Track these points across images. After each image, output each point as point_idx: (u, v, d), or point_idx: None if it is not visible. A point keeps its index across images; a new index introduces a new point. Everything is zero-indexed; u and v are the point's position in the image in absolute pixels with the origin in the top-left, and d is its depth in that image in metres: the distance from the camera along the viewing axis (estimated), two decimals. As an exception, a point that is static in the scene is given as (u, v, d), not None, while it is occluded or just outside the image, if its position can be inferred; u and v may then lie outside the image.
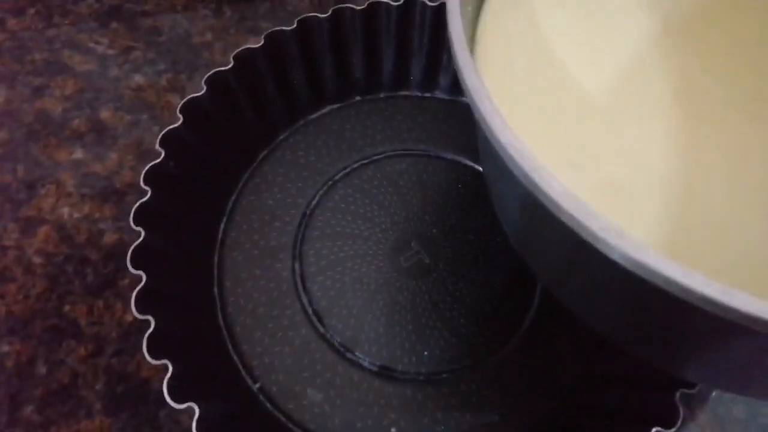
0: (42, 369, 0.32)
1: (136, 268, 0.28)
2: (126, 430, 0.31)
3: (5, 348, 0.33)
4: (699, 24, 0.23)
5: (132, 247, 0.28)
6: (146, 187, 0.30)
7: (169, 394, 0.25)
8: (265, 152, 0.37)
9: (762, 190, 0.19)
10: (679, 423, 0.24)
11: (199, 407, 0.24)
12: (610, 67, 0.22)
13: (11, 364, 0.32)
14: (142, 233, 0.28)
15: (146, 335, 0.26)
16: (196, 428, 0.24)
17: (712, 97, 0.21)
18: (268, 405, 0.29)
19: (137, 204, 0.29)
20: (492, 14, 0.24)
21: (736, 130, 0.20)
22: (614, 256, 0.14)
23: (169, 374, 0.25)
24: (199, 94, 0.33)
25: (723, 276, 0.14)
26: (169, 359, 0.25)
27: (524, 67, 0.22)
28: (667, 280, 0.13)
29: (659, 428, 0.24)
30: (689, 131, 0.20)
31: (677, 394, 0.25)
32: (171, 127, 0.32)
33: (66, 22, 0.42)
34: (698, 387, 0.26)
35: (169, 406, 0.31)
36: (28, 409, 0.31)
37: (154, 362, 0.25)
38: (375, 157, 0.37)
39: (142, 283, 0.27)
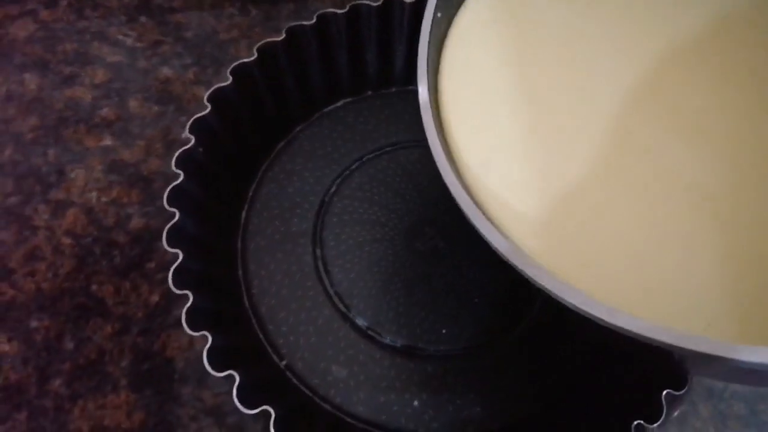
0: (70, 344, 0.33)
1: (172, 247, 0.29)
2: (150, 406, 0.32)
3: (34, 323, 0.34)
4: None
5: (168, 226, 0.29)
6: (178, 171, 0.31)
7: (209, 362, 0.26)
8: (283, 143, 0.39)
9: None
10: (662, 419, 0.26)
11: (239, 375, 0.25)
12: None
13: (40, 338, 0.33)
14: (177, 214, 0.29)
15: (185, 308, 0.27)
16: (237, 395, 0.25)
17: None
18: (295, 381, 0.31)
19: (170, 186, 0.30)
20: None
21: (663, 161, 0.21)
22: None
23: (208, 344, 0.26)
24: (225, 84, 0.34)
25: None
26: (208, 330, 0.26)
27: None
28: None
29: (640, 421, 0.26)
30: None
31: (663, 393, 0.27)
32: (199, 114, 0.33)
33: (96, 15, 0.44)
34: (686, 388, 0.27)
35: (193, 384, 0.33)
36: (57, 382, 0.32)
37: (193, 334, 0.26)
38: (388, 148, 0.39)
39: (180, 260, 0.28)
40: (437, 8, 0.24)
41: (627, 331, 0.16)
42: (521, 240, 0.19)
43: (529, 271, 0.18)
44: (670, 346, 0.15)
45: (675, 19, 0.23)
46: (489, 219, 0.19)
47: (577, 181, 0.20)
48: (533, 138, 0.22)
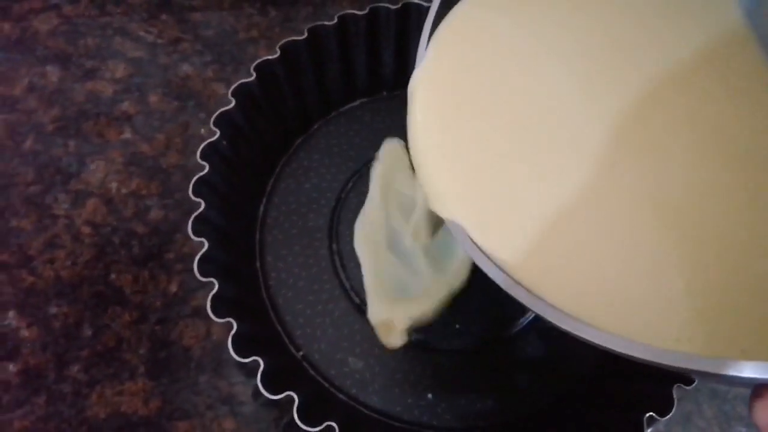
0: (88, 332, 0.34)
1: (197, 236, 0.29)
2: (167, 394, 0.32)
3: (53, 310, 0.34)
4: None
5: (194, 215, 0.30)
6: (203, 162, 0.31)
7: (234, 348, 0.26)
8: (301, 140, 0.40)
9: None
10: (672, 411, 0.27)
11: (264, 361, 0.25)
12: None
13: (59, 325, 0.34)
14: (202, 204, 0.30)
15: (210, 296, 0.27)
16: (261, 380, 0.25)
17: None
18: (311, 371, 0.31)
19: (196, 177, 0.31)
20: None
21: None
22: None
23: (233, 331, 0.26)
24: (249, 80, 0.35)
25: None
26: (233, 318, 0.26)
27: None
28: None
29: (652, 413, 0.27)
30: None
31: (674, 387, 0.27)
32: (224, 108, 0.34)
33: (118, 11, 0.44)
34: (696, 382, 0.28)
35: (209, 372, 0.33)
36: (75, 368, 0.33)
37: (218, 320, 0.27)
38: (403, 148, 0.39)
39: (205, 249, 0.29)
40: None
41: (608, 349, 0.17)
42: (494, 253, 0.21)
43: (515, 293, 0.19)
44: (648, 362, 0.17)
45: (640, 61, 0.24)
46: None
47: (549, 207, 0.21)
48: (506, 163, 0.23)
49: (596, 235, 0.21)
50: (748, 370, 0.15)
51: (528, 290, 0.20)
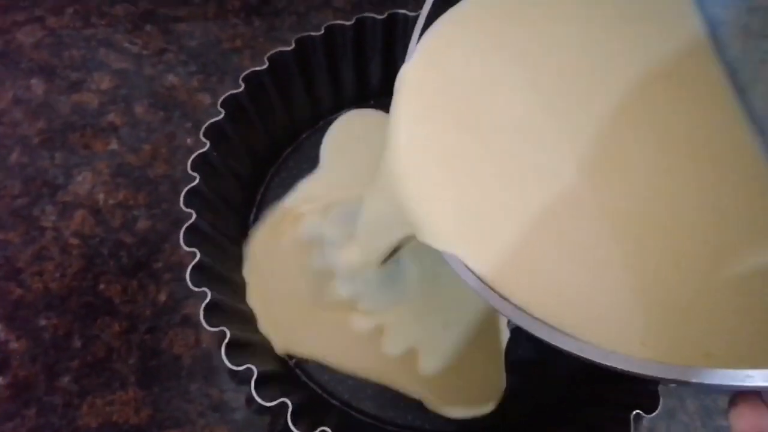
0: (78, 342, 0.34)
1: (189, 246, 0.29)
2: (159, 403, 0.33)
3: (42, 322, 0.34)
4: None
5: (186, 225, 0.30)
6: (194, 173, 0.32)
7: (227, 357, 0.26)
8: (290, 150, 0.40)
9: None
10: (658, 409, 0.28)
11: (257, 369, 0.26)
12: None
13: (48, 337, 0.34)
14: (194, 214, 0.30)
15: (203, 305, 0.28)
16: (255, 387, 0.26)
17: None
18: (304, 377, 0.32)
19: (187, 188, 0.31)
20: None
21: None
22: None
23: (227, 339, 0.27)
24: (238, 91, 0.35)
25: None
26: (225, 326, 0.27)
27: None
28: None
29: (639, 411, 0.28)
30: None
31: (659, 385, 0.28)
32: (214, 120, 0.34)
33: (102, 23, 0.45)
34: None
35: (200, 380, 0.33)
36: (65, 379, 0.33)
37: (211, 329, 0.27)
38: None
39: (197, 259, 0.29)
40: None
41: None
42: (475, 264, 0.21)
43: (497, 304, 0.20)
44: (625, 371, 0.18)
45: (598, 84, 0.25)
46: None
47: (523, 223, 0.22)
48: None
49: (564, 248, 0.21)
50: (712, 378, 0.16)
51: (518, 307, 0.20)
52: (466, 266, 0.21)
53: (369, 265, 0.33)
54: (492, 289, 0.21)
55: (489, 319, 0.34)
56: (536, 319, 0.20)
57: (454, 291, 0.33)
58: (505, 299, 0.20)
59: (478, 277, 0.21)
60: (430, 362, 0.32)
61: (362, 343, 0.32)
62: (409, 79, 0.25)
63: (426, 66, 0.25)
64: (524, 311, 0.20)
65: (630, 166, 0.23)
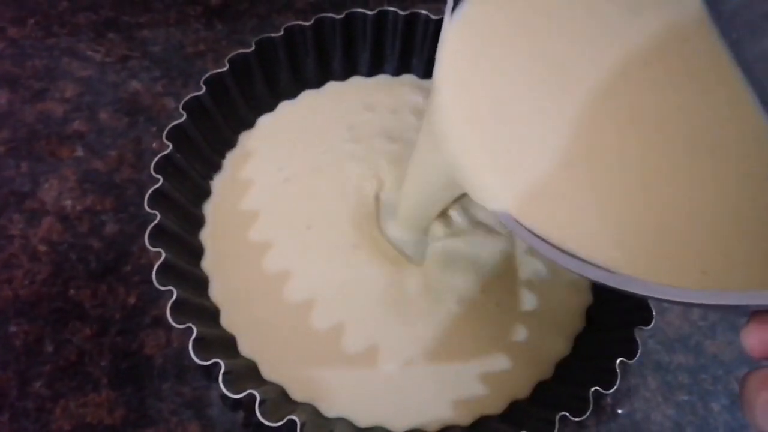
0: (49, 347, 0.34)
1: (154, 246, 0.30)
2: (132, 403, 0.33)
3: (13, 328, 0.34)
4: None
5: (150, 226, 0.30)
6: (157, 175, 0.32)
7: (194, 352, 0.27)
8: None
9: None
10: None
11: (224, 364, 0.26)
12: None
13: (19, 343, 0.34)
14: (158, 215, 0.31)
15: (170, 303, 0.28)
16: (222, 380, 0.26)
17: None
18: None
19: (151, 190, 0.32)
20: None
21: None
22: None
23: (194, 335, 0.27)
24: (199, 93, 0.36)
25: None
26: (192, 323, 0.27)
27: None
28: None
29: (598, 387, 0.29)
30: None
31: (617, 362, 0.30)
32: (176, 122, 0.35)
33: (64, 32, 0.45)
34: (637, 357, 0.30)
35: (172, 379, 0.34)
36: (38, 384, 0.33)
37: (178, 326, 0.28)
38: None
39: (162, 259, 0.30)
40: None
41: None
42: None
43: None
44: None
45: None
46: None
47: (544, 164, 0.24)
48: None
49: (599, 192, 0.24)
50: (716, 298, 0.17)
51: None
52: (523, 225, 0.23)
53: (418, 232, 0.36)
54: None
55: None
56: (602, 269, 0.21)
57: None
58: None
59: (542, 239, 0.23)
60: None
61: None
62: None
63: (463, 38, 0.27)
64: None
65: (639, 114, 0.25)
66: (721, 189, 0.23)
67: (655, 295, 0.19)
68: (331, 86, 0.42)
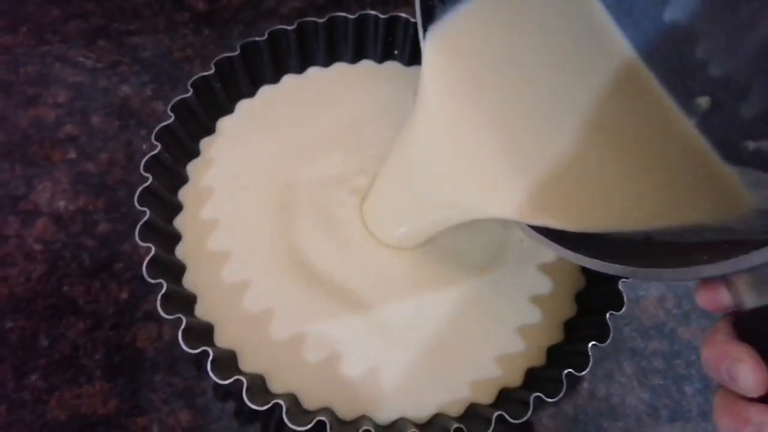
0: (44, 342, 0.35)
1: (144, 242, 0.31)
2: (124, 394, 0.34)
3: (9, 324, 0.36)
4: None
5: (140, 223, 0.32)
6: (147, 174, 0.34)
7: (184, 341, 0.28)
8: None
9: None
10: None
11: (213, 351, 0.28)
12: None
13: (15, 338, 0.35)
14: (147, 212, 0.32)
15: (159, 295, 0.30)
16: (210, 367, 0.28)
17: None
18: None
19: (140, 188, 0.33)
20: None
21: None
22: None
23: (183, 325, 0.29)
24: (186, 95, 0.37)
25: None
26: (181, 314, 0.29)
27: None
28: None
29: (571, 370, 0.30)
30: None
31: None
32: (164, 123, 0.36)
33: (56, 39, 0.46)
34: (609, 341, 0.32)
35: (163, 370, 0.35)
36: (33, 377, 0.34)
37: (168, 317, 0.29)
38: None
39: (152, 253, 0.31)
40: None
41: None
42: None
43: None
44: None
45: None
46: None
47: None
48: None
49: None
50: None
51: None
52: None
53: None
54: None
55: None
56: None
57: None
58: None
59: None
60: None
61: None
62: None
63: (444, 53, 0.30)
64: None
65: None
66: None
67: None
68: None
